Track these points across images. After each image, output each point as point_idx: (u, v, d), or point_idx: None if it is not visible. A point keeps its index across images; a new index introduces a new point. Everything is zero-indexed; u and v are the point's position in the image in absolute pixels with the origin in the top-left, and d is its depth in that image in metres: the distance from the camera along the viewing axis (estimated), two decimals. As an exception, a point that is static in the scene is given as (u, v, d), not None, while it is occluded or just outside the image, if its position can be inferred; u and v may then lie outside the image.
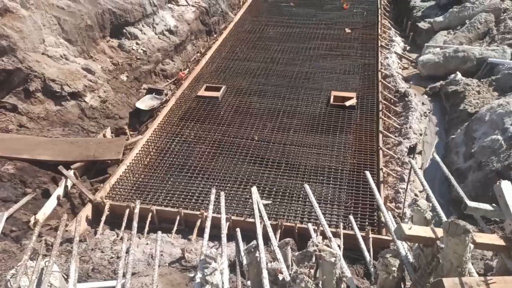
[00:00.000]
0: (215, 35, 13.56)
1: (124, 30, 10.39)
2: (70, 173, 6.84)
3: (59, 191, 6.60)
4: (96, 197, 6.44)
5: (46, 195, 6.51)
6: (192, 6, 13.06)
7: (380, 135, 8.07)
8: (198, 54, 12.39)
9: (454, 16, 11.96)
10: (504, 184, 2.92)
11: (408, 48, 12.47)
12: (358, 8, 14.57)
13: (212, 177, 7.14)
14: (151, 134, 8.13)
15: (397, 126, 8.71)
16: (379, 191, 6.69)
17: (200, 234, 5.64)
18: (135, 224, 3.85)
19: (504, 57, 9.57)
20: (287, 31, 13.04)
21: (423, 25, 12.58)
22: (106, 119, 8.38)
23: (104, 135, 8.05)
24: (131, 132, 8.65)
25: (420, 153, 8.15)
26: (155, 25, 11.24)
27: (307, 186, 4.33)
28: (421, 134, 8.59)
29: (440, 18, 12.25)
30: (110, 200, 6.48)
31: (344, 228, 5.92)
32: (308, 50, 11.79)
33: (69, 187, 6.78)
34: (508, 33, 10.55)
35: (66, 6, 8.85)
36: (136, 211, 4.36)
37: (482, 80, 9.27)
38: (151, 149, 7.81)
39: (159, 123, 8.45)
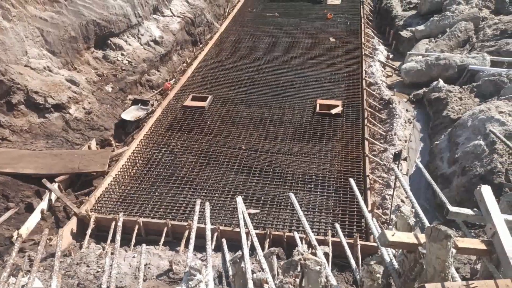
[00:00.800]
0: (201, 45, 13.60)
1: (109, 41, 10.35)
2: (54, 186, 6.73)
3: (43, 205, 6.48)
4: (81, 210, 6.33)
5: (30, 209, 6.38)
6: (178, 16, 13.10)
7: (366, 142, 8.15)
8: (184, 64, 12.40)
9: (435, 25, 12.24)
10: (484, 189, 2.98)
11: (391, 56, 12.69)
12: (341, 18, 14.81)
13: (199, 187, 7.10)
14: (137, 145, 8.06)
15: (382, 133, 8.82)
16: (366, 198, 6.75)
17: (188, 245, 5.59)
18: (118, 238, 3.80)
19: (484, 64, 9.81)
20: (273, 41, 13.16)
21: (405, 33, 12.84)
22: (91, 131, 8.29)
23: (89, 147, 7.95)
24: (117, 144, 8.57)
25: (405, 159, 8.25)
26: (140, 36, 11.23)
27: (291, 195, 4.34)
28: (406, 141, 8.71)
29: (421, 27, 12.52)
30: (95, 213, 6.38)
31: (333, 235, 5.93)
32: (293, 59, 11.91)
33: (53, 201, 6.66)
34: (487, 41, 10.83)
35: (50, 17, 8.79)
36: (119, 224, 4.30)
37: (463, 86, 9.47)
38: (137, 160, 7.75)
39: (145, 134, 8.39)
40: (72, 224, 6.20)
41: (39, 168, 6.90)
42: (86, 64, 9.49)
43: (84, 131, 8.16)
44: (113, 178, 7.15)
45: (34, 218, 6.24)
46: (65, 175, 6.99)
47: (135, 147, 7.98)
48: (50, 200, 6.61)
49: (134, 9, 11.30)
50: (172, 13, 13.10)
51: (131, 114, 9.21)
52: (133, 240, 5.91)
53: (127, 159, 7.64)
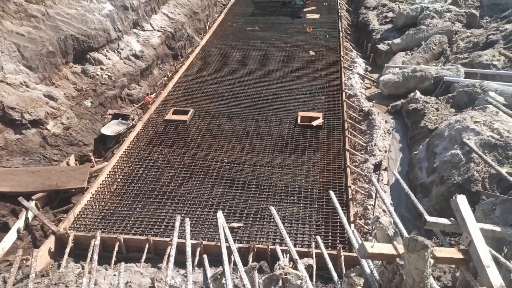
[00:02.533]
0: (181, 59, 13.61)
1: (88, 56, 10.25)
2: (31, 204, 6.55)
3: (19, 223, 6.29)
4: (59, 228, 6.17)
5: (5, 228, 6.18)
6: (158, 31, 13.10)
7: (347, 153, 8.25)
8: (165, 78, 12.37)
9: (410, 38, 12.60)
10: (460, 199, 3.04)
11: (369, 68, 12.97)
12: (320, 32, 15.09)
13: (181, 201, 7.03)
14: (118, 160, 7.95)
15: (363, 144, 8.95)
16: (348, 209, 6.81)
17: (168, 262, 5.49)
18: (95, 257, 3.71)
19: (459, 75, 10.12)
20: (253, 54, 13.29)
21: (382, 47, 13.16)
22: (69, 147, 8.13)
23: (68, 163, 7.80)
24: (97, 159, 8.44)
25: (385, 169, 8.38)
26: (120, 50, 11.17)
27: (272, 208, 4.34)
28: (385, 151, 8.86)
29: (398, 40, 12.87)
30: (74, 230, 6.22)
31: (317, 247, 5.92)
32: (274, 72, 12.03)
33: (30, 219, 6.47)
34: (460, 53, 11.20)
35: (27, 32, 8.66)
36: (97, 242, 4.20)
37: (439, 97, 9.73)
38: (117, 175, 7.62)
39: (125, 149, 8.29)
40: (50, 243, 6.03)
41: (15, 186, 6.71)
42: (65, 79, 9.36)
43: (63, 147, 8.00)
44: (93, 194, 7.01)
45: (9, 238, 6.05)
46: (42, 192, 6.82)
47: (116, 162, 7.86)
48: (27, 218, 6.42)
49: (113, 23, 11.25)
50: (153, 27, 13.10)
51: (111, 129, 9.09)
52: (114, 258, 5.78)
53: (107, 174, 7.52)
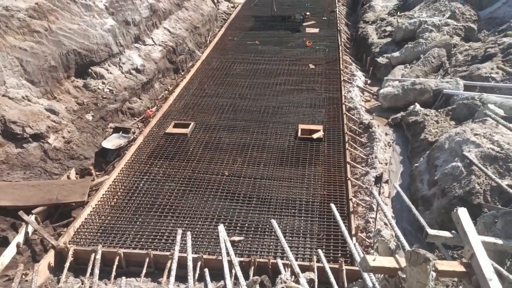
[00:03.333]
0: (182, 73, 13.72)
1: (90, 70, 10.34)
2: (31, 218, 6.52)
3: (19, 238, 6.25)
4: (59, 242, 6.13)
5: (5, 243, 6.14)
6: (159, 45, 13.25)
7: (348, 166, 8.25)
8: (166, 91, 12.45)
9: (409, 52, 12.71)
10: (461, 212, 3.03)
11: (369, 81, 13.05)
12: (320, 45, 15.24)
13: (182, 215, 7.00)
14: (118, 173, 7.95)
15: (363, 156, 8.95)
16: (349, 222, 6.77)
17: (170, 277, 5.44)
18: (96, 271, 3.68)
19: (458, 88, 10.18)
20: (254, 68, 13.40)
21: (381, 60, 13.27)
22: (70, 160, 8.14)
23: (68, 177, 7.79)
24: (97, 173, 8.44)
25: (386, 182, 8.36)
26: (121, 65, 11.27)
27: (273, 221, 4.32)
28: (386, 164, 8.85)
29: (396, 54, 12.98)
30: (74, 245, 6.18)
31: (318, 261, 5.87)
32: (274, 85, 12.11)
33: (30, 234, 6.44)
34: (459, 66, 11.28)
35: (29, 47, 8.76)
36: (98, 257, 4.18)
37: (439, 110, 9.76)
38: (118, 189, 7.61)
39: (126, 162, 8.30)
40: (50, 257, 5.99)
41: (15, 199, 6.70)
42: (66, 93, 9.42)
43: (63, 160, 8.01)
44: (93, 208, 6.99)
45: (9, 252, 6.00)
46: (42, 206, 6.80)
47: (116, 176, 7.86)
48: (26, 233, 6.39)
49: (115, 38, 11.39)
50: (154, 42, 13.24)
51: (112, 142, 9.11)
52: (113, 273, 5.73)
53: (108, 188, 7.51)
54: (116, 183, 7.72)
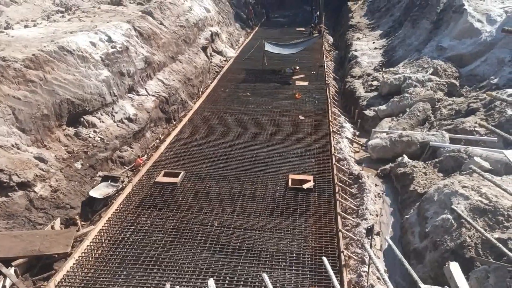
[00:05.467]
0: (174, 123, 13.89)
1: (82, 119, 10.41)
2: (10, 271, 6.23)
3: (-5, 292, 5.93)
4: (37, 297, 5.82)
5: (-21, 298, 5.81)
6: (152, 95, 13.51)
7: (339, 217, 8.19)
8: (157, 140, 12.51)
9: (395, 105, 13.15)
10: (453, 266, 3.00)
11: (357, 133, 13.33)
12: (309, 98, 15.70)
13: (169, 267, 6.77)
14: (104, 223, 7.75)
15: (354, 207, 8.92)
16: (341, 276, 6.60)
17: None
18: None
19: (444, 141, 10.44)
20: (245, 118, 13.65)
21: (369, 112, 13.66)
22: (56, 210, 7.95)
23: (53, 227, 7.57)
24: (83, 223, 8.22)
25: (378, 234, 8.28)
26: (114, 114, 11.39)
27: (265, 275, 4.20)
28: (377, 215, 8.82)
29: (383, 107, 13.41)
30: (53, 300, 5.87)
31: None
32: (265, 135, 12.28)
33: (7, 287, 6.11)
34: (444, 120, 11.65)
35: (23, 96, 8.86)
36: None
37: (427, 162, 9.93)
38: (103, 240, 7.38)
39: (113, 212, 8.12)
40: (26, 314, 5.65)
41: (-5, 251, 6.43)
42: (57, 141, 9.40)
43: (49, 210, 7.82)
44: (76, 260, 6.72)
45: (-17, 309, 5.66)
46: (24, 258, 6.52)
47: (102, 226, 7.66)
48: (4, 286, 6.06)
49: (109, 88, 11.61)
50: (147, 92, 13.51)
51: (100, 191, 8.98)
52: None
53: (93, 239, 7.28)
54: (102, 233, 7.50)
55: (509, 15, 13.99)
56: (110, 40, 12.64)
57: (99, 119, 10.84)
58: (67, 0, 16.05)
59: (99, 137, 10.30)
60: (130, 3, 18.51)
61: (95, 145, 10.04)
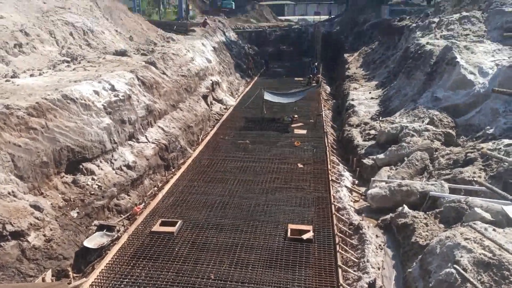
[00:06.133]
0: (173, 170, 13.87)
1: (81, 166, 10.40)
2: (-5, 327, 5.92)
3: None
4: None
5: None
6: (152, 143, 13.61)
7: (340, 270, 7.94)
8: (155, 188, 12.42)
9: (393, 154, 13.22)
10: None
11: (356, 182, 13.28)
12: (308, 146, 15.82)
13: (162, 325, 6.45)
14: (97, 275, 7.51)
15: (355, 259, 8.68)
16: (343, 335, 6.27)
17: None
18: None
19: (443, 191, 10.37)
20: (244, 165, 13.66)
21: (367, 161, 13.70)
22: (48, 260, 7.71)
23: (44, 279, 7.30)
24: (75, 275, 7.95)
25: (380, 288, 7.98)
26: (113, 161, 11.41)
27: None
28: (379, 268, 8.55)
29: (381, 156, 13.47)
30: None
31: None
32: (264, 183, 12.22)
33: None
34: (442, 169, 11.66)
35: (24, 143, 8.91)
36: None
37: (427, 212, 9.79)
38: (95, 293, 7.11)
39: (107, 263, 7.89)
40: None
41: (-19, 305, 6.15)
42: (54, 189, 9.33)
43: (41, 260, 7.58)
44: (66, 315, 6.42)
45: None
46: (10, 313, 6.23)
47: (95, 278, 7.41)
48: None
49: (110, 136, 11.72)
50: (148, 139, 13.63)
51: (94, 241, 8.77)
52: None
53: (85, 292, 7.01)
54: (94, 286, 7.24)
55: (500, 68, 14.47)
56: (113, 88, 12.95)
57: (98, 166, 10.84)
58: (73, 50, 16.64)
59: (97, 184, 10.23)
60: (134, 53, 19.19)
61: (93, 192, 9.95)
